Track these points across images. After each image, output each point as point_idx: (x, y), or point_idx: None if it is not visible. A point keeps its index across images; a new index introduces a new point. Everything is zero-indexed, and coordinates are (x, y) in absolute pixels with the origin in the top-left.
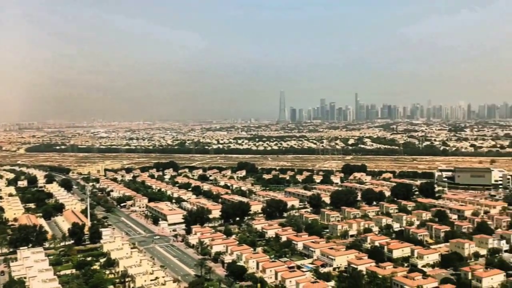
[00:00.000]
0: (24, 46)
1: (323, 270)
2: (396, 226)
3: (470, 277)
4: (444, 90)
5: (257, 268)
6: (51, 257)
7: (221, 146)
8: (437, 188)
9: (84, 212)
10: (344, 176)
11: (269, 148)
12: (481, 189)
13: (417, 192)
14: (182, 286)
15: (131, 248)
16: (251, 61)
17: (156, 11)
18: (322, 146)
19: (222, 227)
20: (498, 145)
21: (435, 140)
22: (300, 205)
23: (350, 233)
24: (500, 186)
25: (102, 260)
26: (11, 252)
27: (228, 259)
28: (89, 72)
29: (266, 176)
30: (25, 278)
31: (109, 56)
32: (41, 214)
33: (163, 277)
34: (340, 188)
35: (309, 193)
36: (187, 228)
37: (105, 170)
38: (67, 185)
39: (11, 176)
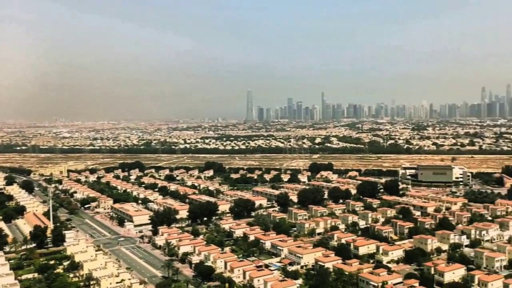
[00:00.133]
0: None
1: (290, 268)
2: (362, 224)
3: (432, 272)
4: (408, 90)
5: (225, 268)
6: (12, 261)
7: (188, 145)
8: (401, 186)
9: (46, 214)
10: (311, 175)
11: (236, 147)
12: (442, 186)
13: (382, 190)
14: None
15: (96, 251)
16: (219, 61)
17: (124, 8)
18: (290, 145)
19: (190, 228)
20: (459, 143)
21: (399, 138)
22: (268, 204)
23: (318, 231)
24: (461, 183)
25: (66, 263)
26: None
27: (195, 259)
28: (52, 72)
29: (233, 176)
30: None
31: (74, 54)
32: (1, 217)
33: (129, 279)
34: (307, 187)
35: (276, 192)
36: (154, 229)
37: (68, 171)
38: (28, 186)
39: None
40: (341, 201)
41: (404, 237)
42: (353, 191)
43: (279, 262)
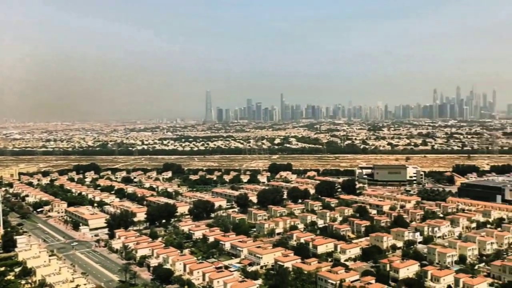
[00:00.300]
0: None
1: (250, 269)
2: (320, 223)
3: (388, 269)
4: (364, 91)
5: (184, 270)
6: None
7: (145, 147)
8: (358, 185)
9: None
10: (270, 175)
11: (195, 148)
12: (397, 185)
13: (339, 189)
14: None
15: (49, 256)
16: (177, 61)
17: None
18: (249, 146)
19: (148, 230)
20: (412, 143)
21: (355, 139)
22: (227, 205)
23: (277, 231)
24: (414, 182)
25: (17, 269)
26: None
27: (154, 262)
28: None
29: (192, 177)
30: None
31: (24, 49)
32: None
33: (85, 284)
34: (267, 187)
35: (236, 193)
36: (110, 233)
37: (19, 174)
38: None
39: None
40: (300, 201)
41: (361, 235)
42: (312, 191)
43: (239, 263)
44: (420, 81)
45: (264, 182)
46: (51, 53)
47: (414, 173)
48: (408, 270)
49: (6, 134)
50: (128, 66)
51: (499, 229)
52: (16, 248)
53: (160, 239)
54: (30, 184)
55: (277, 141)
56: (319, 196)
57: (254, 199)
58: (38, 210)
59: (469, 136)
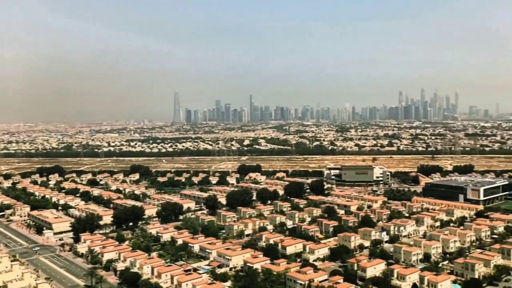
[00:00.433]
0: None
1: (219, 271)
2: (289, 224)
3: (356, 268)
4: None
5: (152, 273)
6: None
7: (112, 148)
8: (326, 186)
9: None
10: (239, 177)
11: (163, 150)
12: (364, 185)
13: (308, 190)
14: None
15: (11, 261)
16: (145, 61)
17: None
18: (218, 147)
19: (114, 234)
20: (379, 144)
21: (324, 140)
22: (196, 207)
23: (246, 232)
24: (381, 182)
25: None
26: None
27: (120, 266)
28: None
29: (160, 179)
30: None
31: None
32: None
33: None
34: (236, 189)
35: (205, 195)
36: (76, 237)
37: None
38: None
39: None
40: (269, 202)
41: (329, 236)
42: (281, 192)
43: (208, 265)
44: (386, 84)
45: (233, 184)
46: (12, 53)
47: (380, 174)
48: (375, 269)
49: None
50: (94, 66)
51: (461, 227)
52: None
53: (127, 242)
54: None
55: (246, 142)
56: (288, 197)
57: (223, 200)
58: (0, 214)
59: (433, 137)
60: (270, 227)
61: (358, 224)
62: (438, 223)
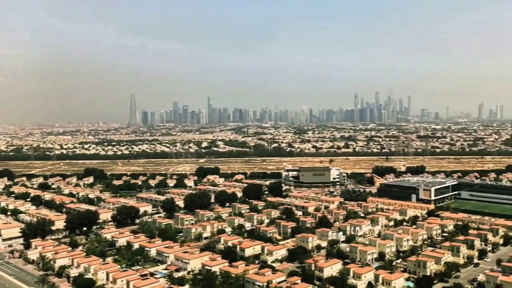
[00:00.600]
0: None
1: (177, 274)
2: (248, 226)
3: (313, 268)
4: (290, 96)
5: (107, 279)
6: None
7: (65, 151)
8: (284, 187)
9: None
10: (198, 179)
11: (119, 152)
12: (321, 186)
13: (267, 192)
14: None
15: None
16: (99, 62)
17: None
18: (176, 149)
19: (67, 239)
20: (335, 146)
21: (282, 142)
22: (153, 210)
23: (204, 235)
24: (337, 183)
25: None
26: None
27: (74, 272)
28: None
29: (116, 182)
30: None
31: None
32: None
33: None
34: (194, 191)
35: (162, 198)
36: (26, 243)
37: None
38: None
39: None
40: (227, 204)
41: (287, 237)
42: (239, 194)
43: (165, 269)
44: (342, 87)
45: (191, 186)
46: None
47: (337, 175)
48: (332, 268)
49: None
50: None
51: (414, 226)
52: None
53: (81, 247)
54: None
55: (204, 144)
56: (247, 199)
57: (181, 203)
58: None
59: (387, 139)
60: (228, 229)
61: (316, 225)
62: (392, 223)
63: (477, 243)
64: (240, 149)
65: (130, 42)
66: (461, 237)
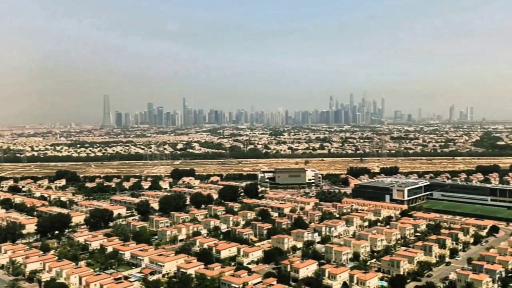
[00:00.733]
0: None
1: (152, 278)
2: (223, 227)
3: (289, 269)
4: (265, 97)
5: (80, 283)
6: None
7: (36, 153)
8: (260, 189)
9: None
10: (173, 181)
11: (92, 154)
12: (297, 188)
13: (242, 193)
14: None
15: None
16: (71, 62)
17: None
18: (150, 151)
19: (39, 243)
20: (311, 148)
21: (258, 143)
22: (127, 213)
23: (180, 237)
24: (313, 184)
25: None
26: None
27: (45, 277)
28: None
29: (89, 185)
30: None
31: None
32: None
33: None
34: (169, 194)
35: (137, 200)
36: None
37: None
38: None
39: None
40: (203, 206)
41: (263, 238)
42: (215, 196)
43: (140, 272)
44: (318, 89)
45: (166, 189)
46: None
47: (312, 176)
48: (308, 269)
49: None
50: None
51: (388, 226)
52: None
53: (52, 251)
54: None
55: (179, 146)
56: (223, 201)
57: (155, 206)
58: None
59: (361, 141)
60: (204, 231)
61: (291, 226)
62: (366, 223)
63: (449, 242)
64: (216, 150)
65: (104, 40)
66: (433, 237)
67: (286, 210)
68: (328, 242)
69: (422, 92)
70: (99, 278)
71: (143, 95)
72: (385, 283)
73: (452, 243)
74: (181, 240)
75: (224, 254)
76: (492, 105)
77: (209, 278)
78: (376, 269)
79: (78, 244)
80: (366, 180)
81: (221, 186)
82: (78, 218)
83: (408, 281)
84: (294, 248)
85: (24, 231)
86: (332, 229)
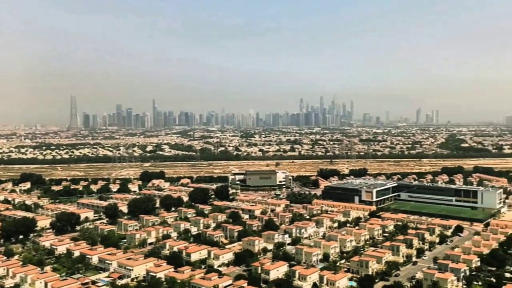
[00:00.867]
0: None
1: (120, 282)
2: (194, 230)
3: (260, 271)
4: (236, 99)
5: None
6: None
7: None
8: (231, 191)
9: None
10: (142, 184)
11: (58, 157)
12: (268, 190)
13: (213, 196)
14: None
15: None
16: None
17: None
18: (119, 153)
19: (2, 248)
20: (282, 150)
21: (229, 145)
22: (95, 216)
23: (149, 241)
24: (284, 186)
25: None
26: None
27: (9, 283)
28: None
29: (55, 188)
30: None
31: None
32: None
33: None
34: (138, 196)
35: (105, 203)
36: None
37: None
38: None
39: None
40: (173, 209)
41: (234, 240)
42: (185, 198)
43: (108, 277)
44: (289, 91)
45: (135, 191)
46: None
47: (283, 178)
48: (278, 271)
49: None
50: None
51: (357, 227)
52: None
53: (17, 256)
54: None
55: (149, 148)
56: (193, 204)
57: (124, 209)
58: None
59: (331, 143)
60: (174, 234)
61: (262, 228)
62: (336, 224)
63: (416, 242)
64: (186, 153)
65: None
66: (401, 237)
67: (257, 212)
68: (299, 243)
69: (390, 95)
70: (65, 283)
71: (111, 97)
72: (354, 283)
73: (419, 243)
74: (150, 244)
75: (194, 257)
76: (458, 108)
77: (179, 281)
78: (345, 269)
79: (44, 249)
80: (336, 181)
81: (192, 189)
82: (43, 222)
83: (376, 281)
84: (265, 250)
85: None
86: (303, 230)
